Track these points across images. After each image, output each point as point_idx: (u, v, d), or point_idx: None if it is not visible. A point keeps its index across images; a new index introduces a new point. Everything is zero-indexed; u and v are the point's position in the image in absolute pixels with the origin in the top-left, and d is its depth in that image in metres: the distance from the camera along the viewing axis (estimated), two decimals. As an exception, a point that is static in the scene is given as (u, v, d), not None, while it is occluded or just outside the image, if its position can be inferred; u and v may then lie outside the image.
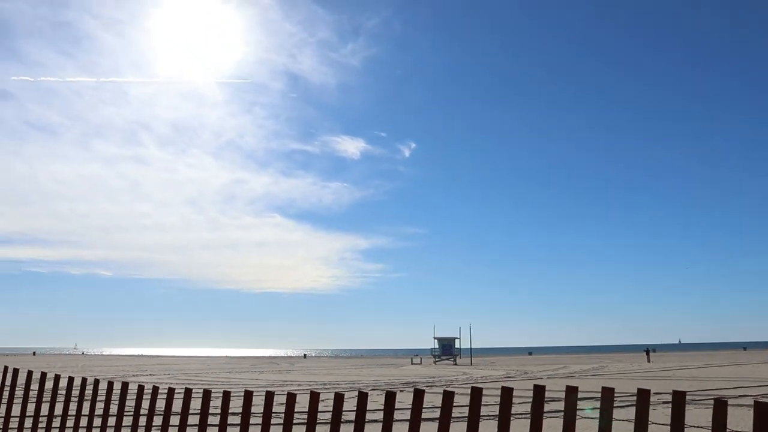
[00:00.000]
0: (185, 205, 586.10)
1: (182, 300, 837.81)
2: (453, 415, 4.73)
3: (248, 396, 5.21)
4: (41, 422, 6.96)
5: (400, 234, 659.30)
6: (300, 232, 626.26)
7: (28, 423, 6.75)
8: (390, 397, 4.85)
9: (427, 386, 33.46)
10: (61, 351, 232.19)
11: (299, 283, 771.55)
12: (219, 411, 5.25)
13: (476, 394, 4.66)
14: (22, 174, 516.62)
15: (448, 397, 4.69)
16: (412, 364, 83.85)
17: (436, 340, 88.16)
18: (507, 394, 4.57)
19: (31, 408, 6.16)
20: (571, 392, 4.43)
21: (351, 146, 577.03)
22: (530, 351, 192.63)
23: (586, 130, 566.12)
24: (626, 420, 4.97)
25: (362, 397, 5.00)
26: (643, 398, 4.21)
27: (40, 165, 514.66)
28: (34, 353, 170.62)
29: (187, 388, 5.55)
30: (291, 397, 5.09)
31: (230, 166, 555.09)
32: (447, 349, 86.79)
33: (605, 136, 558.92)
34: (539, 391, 4.55)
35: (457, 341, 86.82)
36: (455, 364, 77.57)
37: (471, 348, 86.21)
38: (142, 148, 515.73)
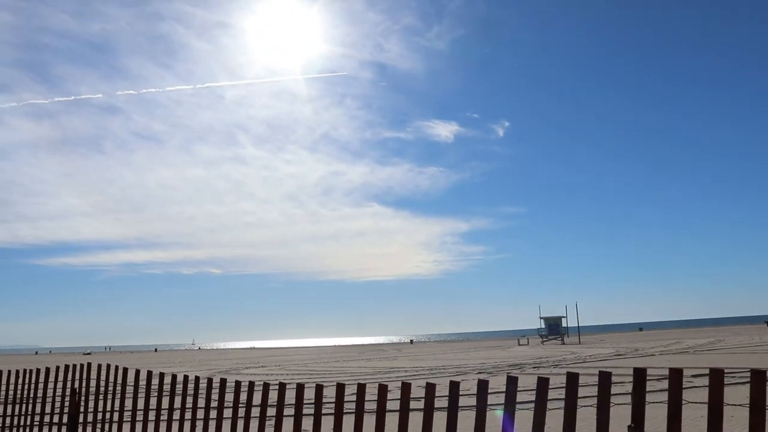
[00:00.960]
0: (286, 200, 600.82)
1: (288, 293, 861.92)
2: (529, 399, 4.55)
3: (361, 389, 5.29)
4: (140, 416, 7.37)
5: (500, 214, 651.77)
6: (399, 219, 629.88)
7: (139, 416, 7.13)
8: (482, 383, 4.80)
9: (534, 367, 32.99)
10: (180, 347, 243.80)
11: (402, 270, 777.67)
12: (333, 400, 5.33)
13: (572, 379, 4.50)
14: (133, 182, 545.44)
15: (572, 378, 4.54)
16: (519, 345, 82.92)
17: (542, 320, 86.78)
18: (605, 379, 4.38)
19: (141, 404, 6.64)
20: (675, 374, 4.21)
21: (444, 130, 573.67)
22: (641, 327, 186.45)
23: (693, 97, 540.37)
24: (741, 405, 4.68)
25: (453, 386, 4.96)
26: (757, 380, 3.95)
27: (149, 172, 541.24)
28: (155, 350, 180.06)
29: (299, 384, 5.67)
30: (406, 387, 5.10)
31: (326, 159, 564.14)
32: (554, 328, 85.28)
33: (720, 100, 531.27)
34: (640, 375, 4.34)
35: (563, 320, 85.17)
36: (563, 344, 76.10)
37: (579, 326, 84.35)
38: (241, 149, 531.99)
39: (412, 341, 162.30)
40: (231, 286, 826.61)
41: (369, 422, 5.13)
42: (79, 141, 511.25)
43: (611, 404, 4.35)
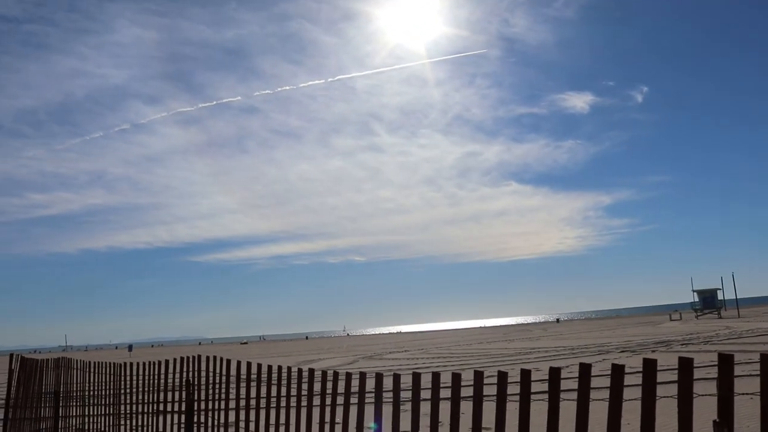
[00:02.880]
0: (423, 184, 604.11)
1: (431, 276, 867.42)
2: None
3: (479, 376, 4.91)
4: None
5: (645, 184, 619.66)
6: (539, 195, 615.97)
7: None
8: (580, 370, 4.21)
9: (682, 344, 30.96)
10: (331, 334, 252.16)
11: (544, 248, 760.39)
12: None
13: (725, 361, 3.63)
14: (276, 177, 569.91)
15: (686, 363, 3.76)
16: (670, 320, 78.67)
17: (695, 293, 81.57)
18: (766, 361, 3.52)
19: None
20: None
21: (579, 101, 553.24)
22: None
23: None
24: None
25: (554, 373, 4.40)
26: None
27: (290, 167, 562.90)
28: (306, 338, 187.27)
29: (417, 372, 5.33)
30: (525, 374, 4.62)
31: (461, 141, 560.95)
32: (709, 301, 79.82)
33: None
34: (727, 361, 3.50)
35: (719, 292, 79.49)
36: (719, 318, 71.27)
37: (736, 298, 78.50)
38: (376, 137, 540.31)
39: (558, 320, 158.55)
40: (374, 273, 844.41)
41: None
42: (223, 142, 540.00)
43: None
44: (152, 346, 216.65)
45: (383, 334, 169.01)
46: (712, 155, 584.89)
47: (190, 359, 8.67)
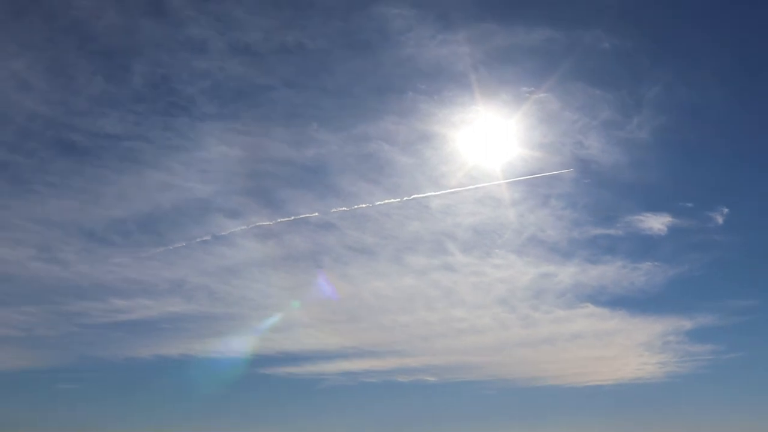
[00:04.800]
0: (496, 305, 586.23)
1: (504, 400, 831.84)
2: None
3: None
4: None
5: (729, 309, 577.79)
6: (615, 319, 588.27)
7: None
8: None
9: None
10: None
11: (622, 373, 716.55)
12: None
13: None
14: (349, 293, 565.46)
15: None
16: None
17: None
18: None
19: None
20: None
21: (656, 223, 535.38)
22: None
23: None
24: None
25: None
26: None
27: (363, 283, 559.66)
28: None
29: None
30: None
31: (535, 261, 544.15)
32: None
33: None
34: None
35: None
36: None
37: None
38: (450, 256, 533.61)
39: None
40: (446, 394, 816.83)
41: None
42: (299, 257, 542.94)
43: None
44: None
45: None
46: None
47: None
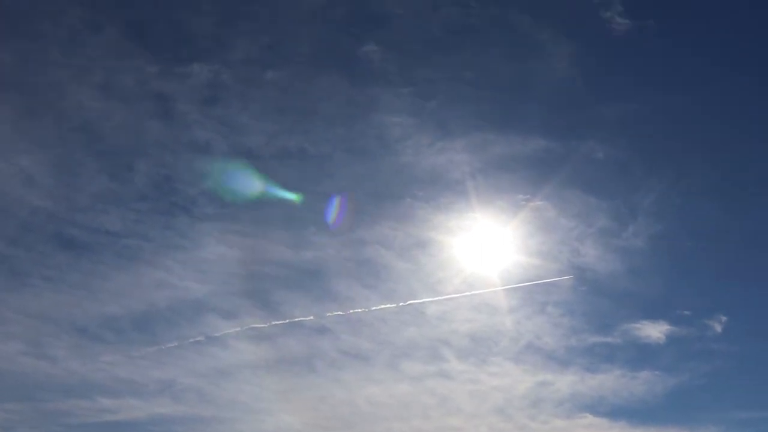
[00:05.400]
0: (493, 413, 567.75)
1: None
2: None
3: None
4: None
5: (733, 420, 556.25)
6: (616, 429, 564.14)
7: None
8: None
9: None
10: None
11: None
12: None
13: None
14: (342, 399, 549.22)
15: None
16: None
17: None
18: None
19: None
20: None
21: (654, 331, 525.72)
22: None
23: None
24: None
25: None
26: None
27: (357, 389, 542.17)
28: None
29: None
30: None
31: (532, 370, 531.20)
32: None
33: None
34: None
35: None
36: None
37: None
38: (446, 363, 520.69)
39: None
40: None
41: None
42: (293, 361, 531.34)
43: None
44: None
45: None
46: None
47: None
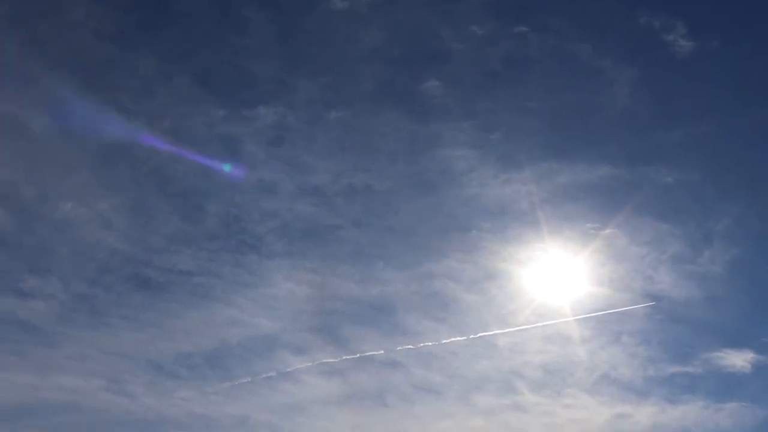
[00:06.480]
0: None
1: None
2: None
3: None
4: None
5: None
6: None
7: None
8: None
9: None
10: None
11: None
12: None
13: None
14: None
15: None
16: None
17: None
18: None
19: None
20: None
21: (738, 359, 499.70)
22: None
23: None
24: None
25: None
26: None
27: (429, 423, 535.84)
28: None
29: None
30: None
31: (609, 401, 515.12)
32: None
33: None
34: None
35: None
36: None
37: None
38: (519, 396, 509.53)
39: None
40: None
41: None
42: (364, 395, 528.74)
43: None
44: None
45: None
46: None
47: None
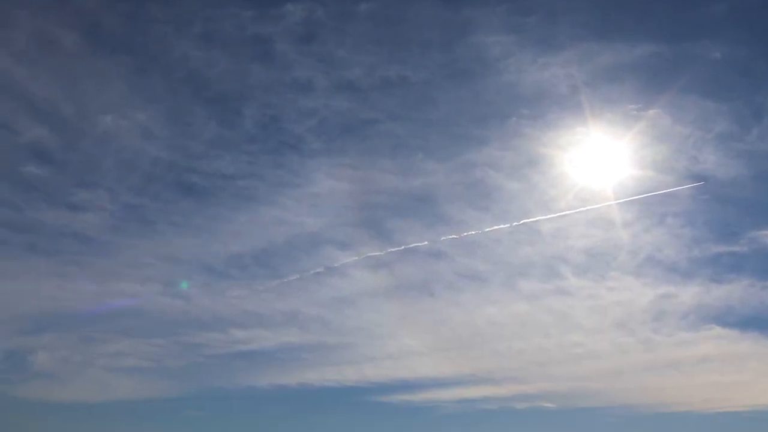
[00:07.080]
0: (614, 329, 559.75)
1: (627, 427, 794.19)
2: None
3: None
4: None
5: None
6: (747, 341, 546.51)
7: None
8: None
9: None
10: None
11: (761, 399, 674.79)
12: None
13: None
14: (462, 321, 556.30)
15: None
16: None
17: None
18: None
19: None
20: None
21: None
22: None
23: None
24: None
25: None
26: None
27: (476, 310, 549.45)
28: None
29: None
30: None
31: (653, 283, 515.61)
32: None
33: None
34: None
35: None
36: None
37: None
38: (563, 280, 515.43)
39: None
40: (565, 421, 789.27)
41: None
42: (410, 286, 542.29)
43: None
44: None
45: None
46: None
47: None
